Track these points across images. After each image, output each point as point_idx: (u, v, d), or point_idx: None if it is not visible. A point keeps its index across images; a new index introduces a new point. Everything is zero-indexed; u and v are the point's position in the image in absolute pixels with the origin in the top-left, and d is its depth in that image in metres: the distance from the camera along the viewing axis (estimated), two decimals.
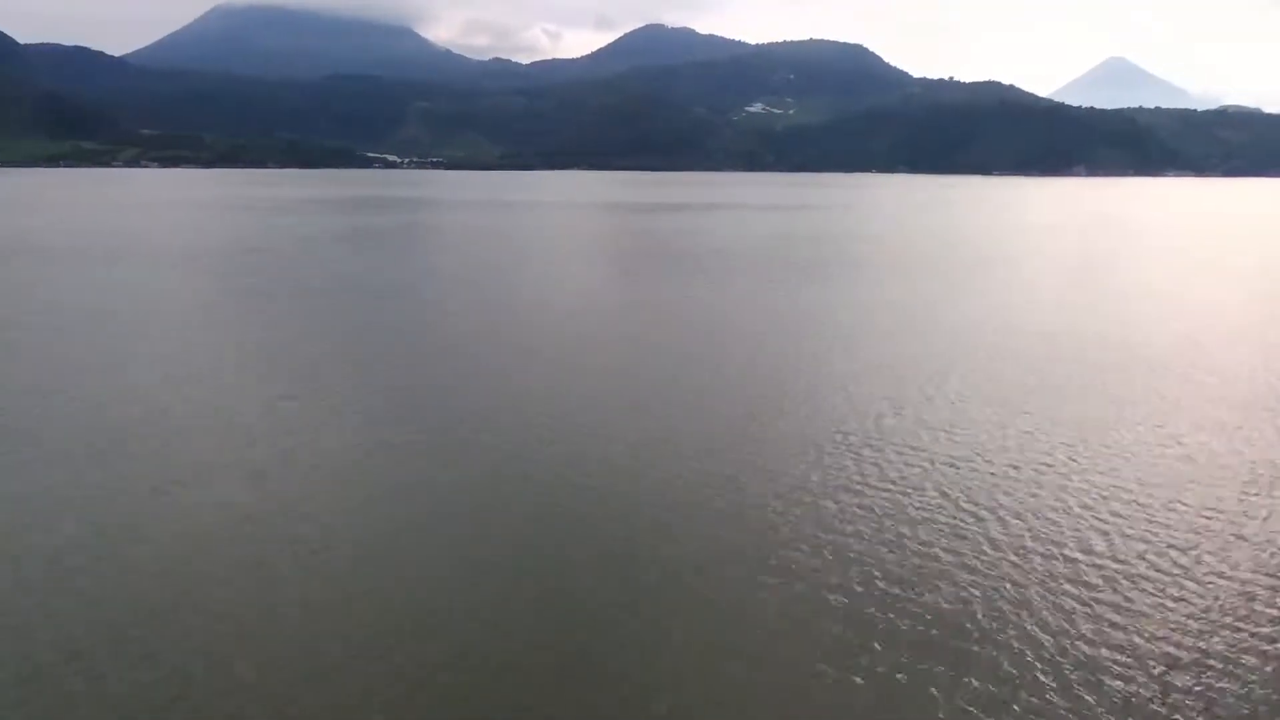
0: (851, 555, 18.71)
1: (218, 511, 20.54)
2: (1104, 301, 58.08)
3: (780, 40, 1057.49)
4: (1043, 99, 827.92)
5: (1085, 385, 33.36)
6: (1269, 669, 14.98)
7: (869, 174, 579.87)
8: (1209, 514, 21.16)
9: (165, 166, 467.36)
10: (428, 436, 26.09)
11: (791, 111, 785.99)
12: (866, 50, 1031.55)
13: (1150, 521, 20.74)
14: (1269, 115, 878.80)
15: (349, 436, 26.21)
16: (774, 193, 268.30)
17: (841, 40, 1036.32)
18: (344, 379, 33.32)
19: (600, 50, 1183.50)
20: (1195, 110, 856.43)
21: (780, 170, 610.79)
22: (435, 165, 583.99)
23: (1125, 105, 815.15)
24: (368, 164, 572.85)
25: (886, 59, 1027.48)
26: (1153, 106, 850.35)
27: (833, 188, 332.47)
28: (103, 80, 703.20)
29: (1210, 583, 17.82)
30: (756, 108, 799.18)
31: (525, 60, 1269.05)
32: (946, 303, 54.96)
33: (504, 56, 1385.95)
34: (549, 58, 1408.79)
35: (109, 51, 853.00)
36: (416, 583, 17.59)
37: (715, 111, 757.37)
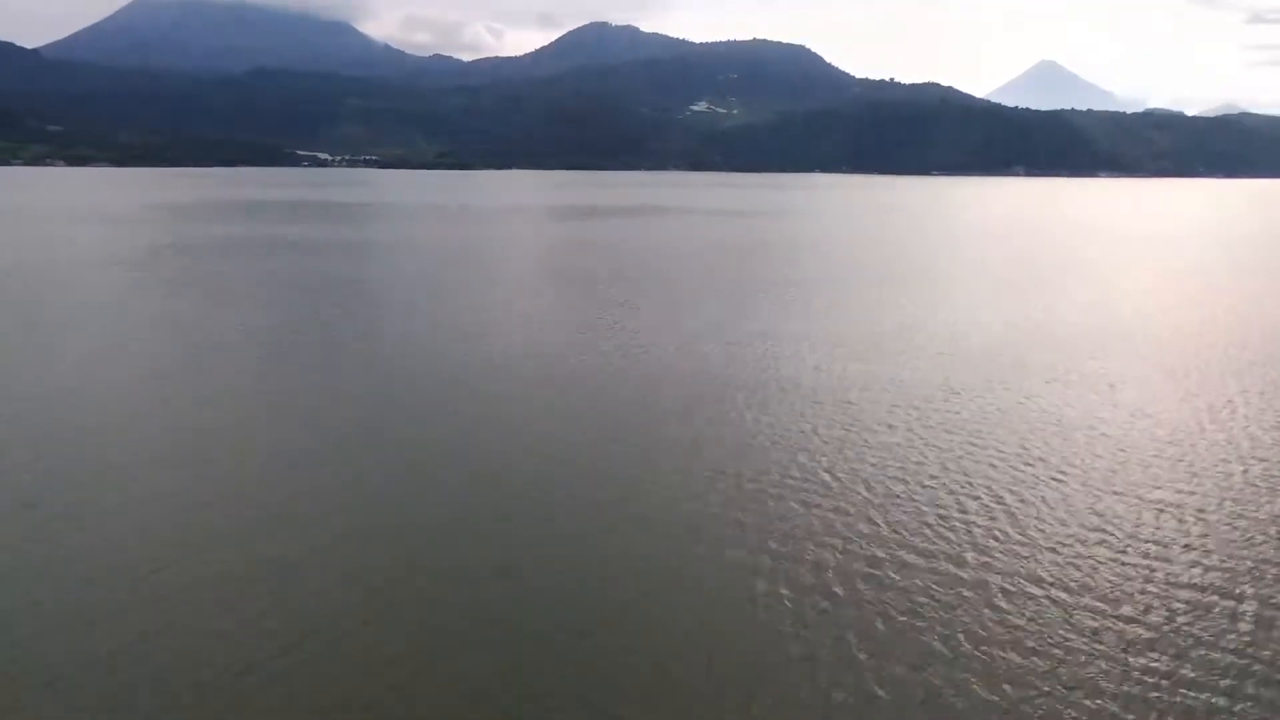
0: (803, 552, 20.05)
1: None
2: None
3: (724, 40, 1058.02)
4: (981, 100, 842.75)
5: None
6: None
7: (813, 174, 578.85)
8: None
9: (73, 165, 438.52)
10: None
11: (736, 111, 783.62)
12: (809, 51, 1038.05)
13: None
14: (1190, 118, 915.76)
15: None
16: (720, 195, 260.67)
17: (785, 41, 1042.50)
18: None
19: (544, 48, 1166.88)
20: (1124, 113, 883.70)
21: (725, 170, 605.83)
22: (369, 164, 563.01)
23: (1057, 107, 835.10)
24: (296, 162, 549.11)
25: (829, 60, 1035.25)
26: (1084, 109, 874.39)
27: (779, 189, 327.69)
28: (13, 74, 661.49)
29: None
30: (701, 107, 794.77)
31: (467, 58, 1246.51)
32: (912, 319, 48.52)
33: (445, 54, 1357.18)
34: (492, 55, 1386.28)
35: (20, 44, 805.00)
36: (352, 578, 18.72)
37: (660, 111, 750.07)
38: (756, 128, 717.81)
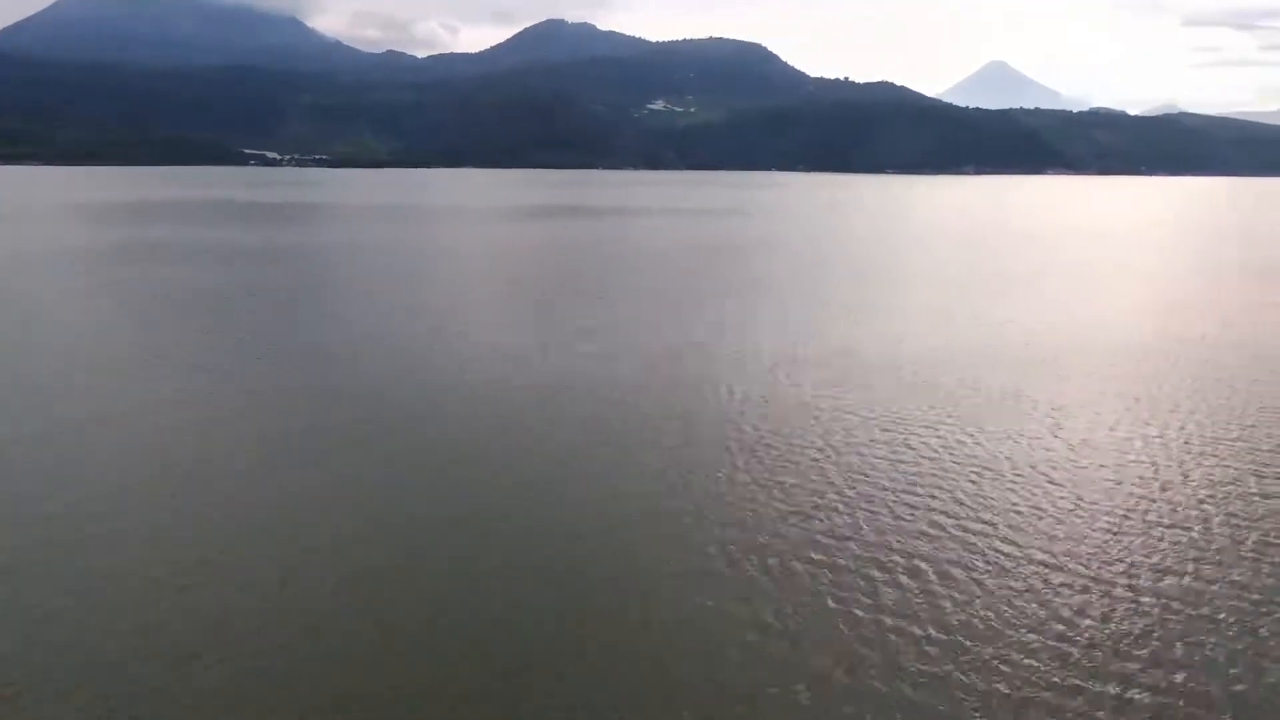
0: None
1: None
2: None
3: (681, 38, 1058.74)
4: (930, 99, 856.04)
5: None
6: None
7: (770, 172, 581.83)
8: None
9: (7, 164, 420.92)
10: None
11: (693, 110, 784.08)
12: (765, 50, 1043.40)
13: None
14: (1133, 117, 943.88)
15: None
16: (678, 194, 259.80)
17: (741, 39, 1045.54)
18: None
19: (499, 45, 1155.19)
20: (1070, 112, 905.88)
21: (682, 169, 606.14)
22: (320, 163, 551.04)
23: (1006, 107, 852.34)
24: (244, 161, 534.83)
25: (784, 59, 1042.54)
26: (1032, 108, 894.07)
27: (737, 188, 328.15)
28: None
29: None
30: (658, 105, 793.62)
31: (421, 54, 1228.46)
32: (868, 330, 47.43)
33: (398, 50, 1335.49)
34: (446, 52, 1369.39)
35: None
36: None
37: (616, 109, 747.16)
38: (713, 126, 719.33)
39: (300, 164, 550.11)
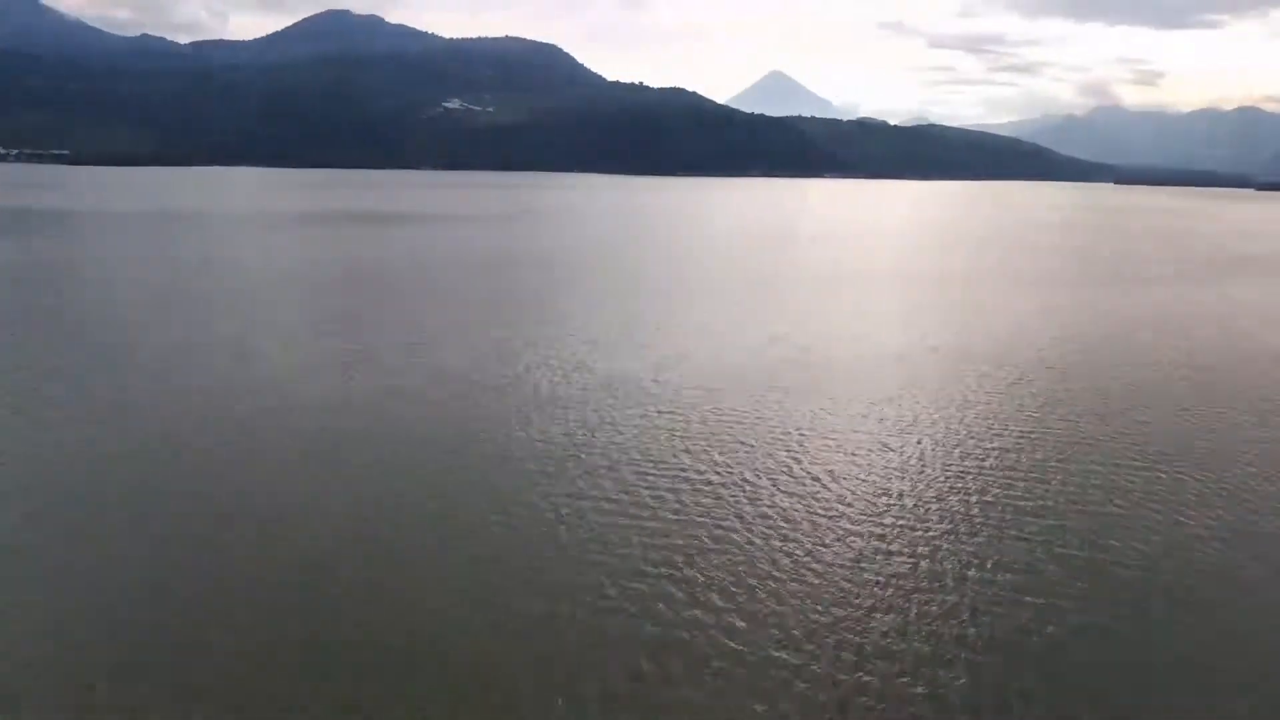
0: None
1: None
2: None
3: (476, 36, 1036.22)
4: (721, 105, 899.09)
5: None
6: None
7: (569, 174, 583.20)
8: None
9: None
10: None
11: (491, 109, 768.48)
12: (562, 51, 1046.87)
13: None
14: (894, 126, 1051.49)
15: None
16: (477, 198, 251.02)
17: (538, 40, 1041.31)
18: None
19: (276, 34, 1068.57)
20: (841, 120, 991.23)
21: (481, 169, 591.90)
22: (58, 159, 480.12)
23: (786, 114, 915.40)
24: None
25: (581, 61, 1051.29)
26: (809, 116, 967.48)
27: (539, 189, 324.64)
28: None
29: None
30: (454, 104, 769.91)
31: (183, 40, 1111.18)
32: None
33: (156, 34, 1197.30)
34: (214, 39, 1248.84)
35: None
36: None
37: (409, 107, 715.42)
38: (513, 127, 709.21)
39: (33, 159, 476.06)
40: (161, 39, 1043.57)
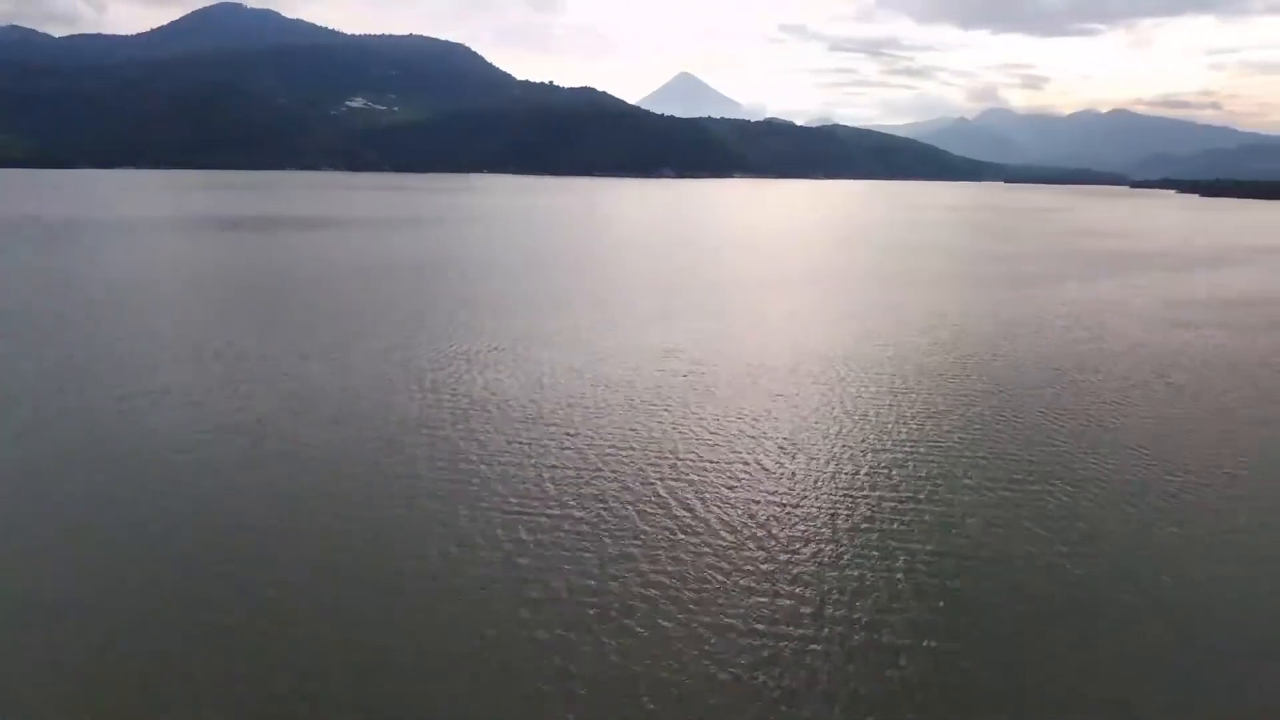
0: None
1: None
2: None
3: (380, 33, 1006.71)
4: (631, 106, 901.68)
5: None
6: None
7: (478, 174, 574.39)
8: None
9: None
10: None
11: (395, 109, 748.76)
12: (469, 50, 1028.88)
13: None
14: (800, 127, 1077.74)
15: None
16: (378, 201, 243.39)
17: (444, 38, 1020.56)
18: None
19: (162, 27, 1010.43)
20: (749, 121, 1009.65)
21: (384, 170, 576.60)
22: None
23: (695, 115, 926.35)
24: None
25: (489, 60, 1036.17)
26: (717, 117, 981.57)
27: (445, 192, 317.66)
28: None
29: None
30: (357, 103, 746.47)
31: (58, 32, 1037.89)
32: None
33: (25, 25, 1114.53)
34: (91, 31, 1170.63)
35: None
36: None
37: (309, 105, 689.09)
38: (418, 126, 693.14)
39: None
40: (31, 31, 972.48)
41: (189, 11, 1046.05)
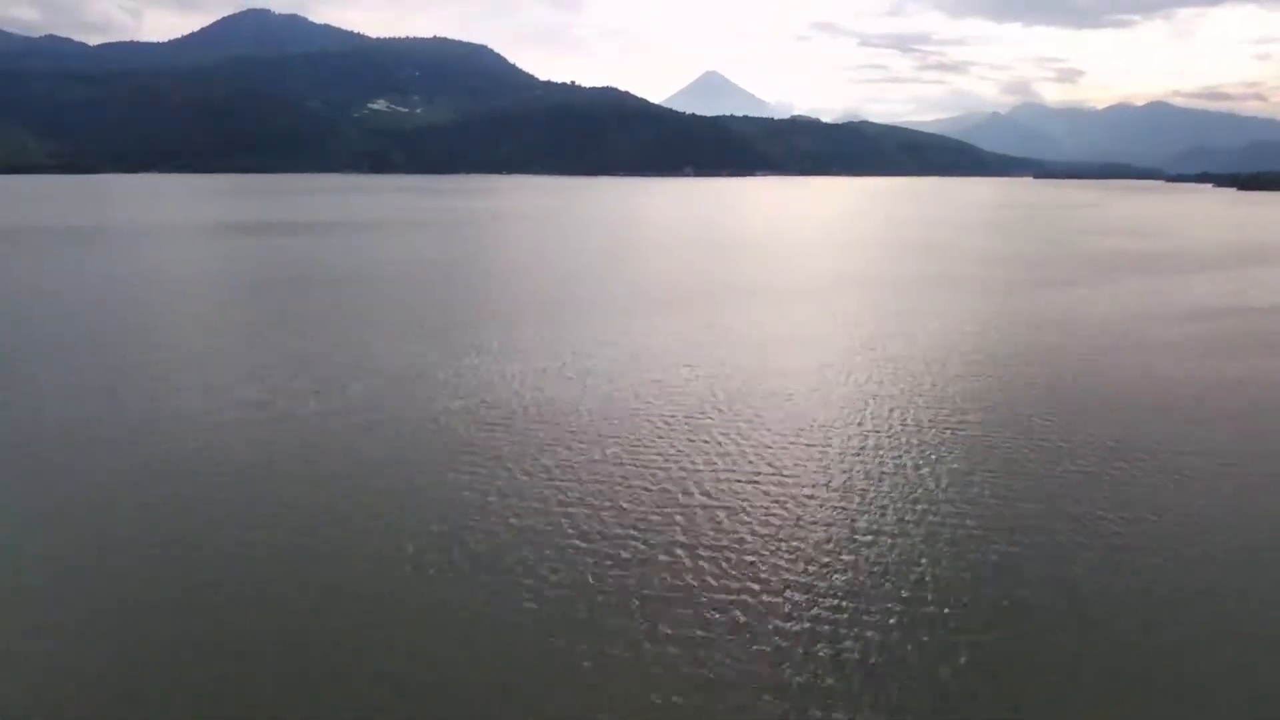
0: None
1: None
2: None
3: (404, 36, 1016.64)
4: (653, 105, 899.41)
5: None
6: None
7: (502, 175, 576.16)
8: None
9: None
10: None
11: (419, 110, 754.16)
12: (492, 51, 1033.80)
13: None
14: (825, 124, 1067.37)
15: None
16: (405, 203, 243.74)
17: (467, 40, 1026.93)
18: None
19: (192, 35, 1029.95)
20: (773, 119, 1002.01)
21: (410, 172, 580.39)
22: None
23: (720, 113, 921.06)
24: None
25: (512, 61, 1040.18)
26: (742, 115, 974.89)
27: (473, 194, 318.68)
28: None
29: None
30: (380, 105, 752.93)
31: (93, 41, 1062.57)
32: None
33: (61, 35, 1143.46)
34: (125, 40, 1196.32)
35: None
36: None
37: (334, 108, 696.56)
38: (441, 127, 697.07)
39: None
40: (67, 40, 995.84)
41: (218, 18, 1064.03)
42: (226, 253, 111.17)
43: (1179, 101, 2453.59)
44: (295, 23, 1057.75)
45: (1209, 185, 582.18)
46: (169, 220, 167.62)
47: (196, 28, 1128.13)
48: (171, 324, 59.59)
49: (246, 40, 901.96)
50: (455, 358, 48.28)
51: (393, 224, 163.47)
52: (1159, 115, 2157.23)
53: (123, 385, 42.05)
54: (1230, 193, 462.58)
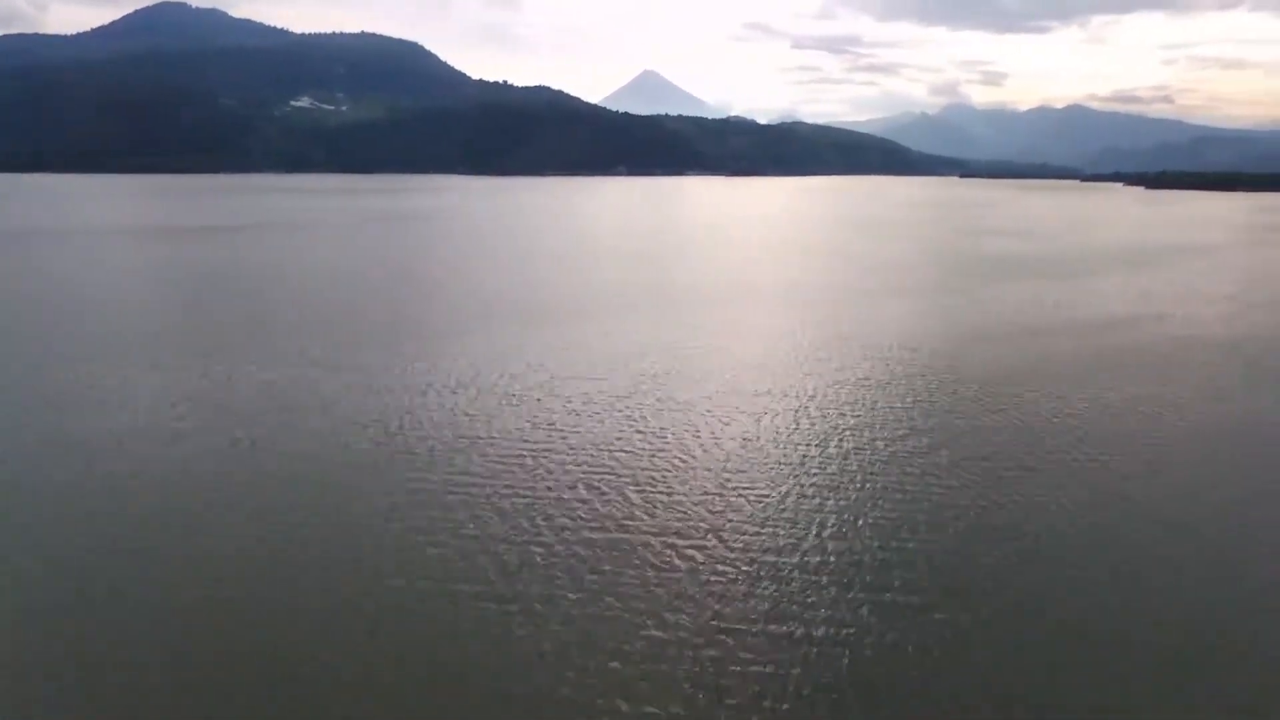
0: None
1: None
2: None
3: (329, 32, 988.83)
4: (587, 104, 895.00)
5: None
6: None
7: (429, 175, 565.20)
8: None
9: None
10: None
11: (344, 108, 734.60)
12: (422, 48, 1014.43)
13: None
14: (762, 125, 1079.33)
15: None
16: (319, 205, 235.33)
17: (397, 36, 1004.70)
18: None
19: (103, 27, 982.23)
20: (708, 119, 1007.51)
21: (333, 171, 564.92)
22: None
23: (659, 113, 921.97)
24: None
25: (443, 59, 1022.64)
26: (683, 114, 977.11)
27: (396, 192, 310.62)
28: None
29: None
30: (304, 103, 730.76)
31: None
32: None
33: None
34: (30, 32, 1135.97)
35: None
36: None
37: (253, 106, 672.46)
38: (367, 126, 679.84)
39: None
40: None
41: (132, 10, 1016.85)
42: (113, 258, 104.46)
43: (1095, 104, 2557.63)
44: (214, 17, 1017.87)
45: (1120, 184, 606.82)
46: (58, 224, 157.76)
47: (106, 21, 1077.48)
48: (50, 337, 54.62)
49: (161, 35, 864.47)
50: (317, 376, 45.05)
51: (276, 227, 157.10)
52: (1076, 117, 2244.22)
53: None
54: (1138, 191, 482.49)
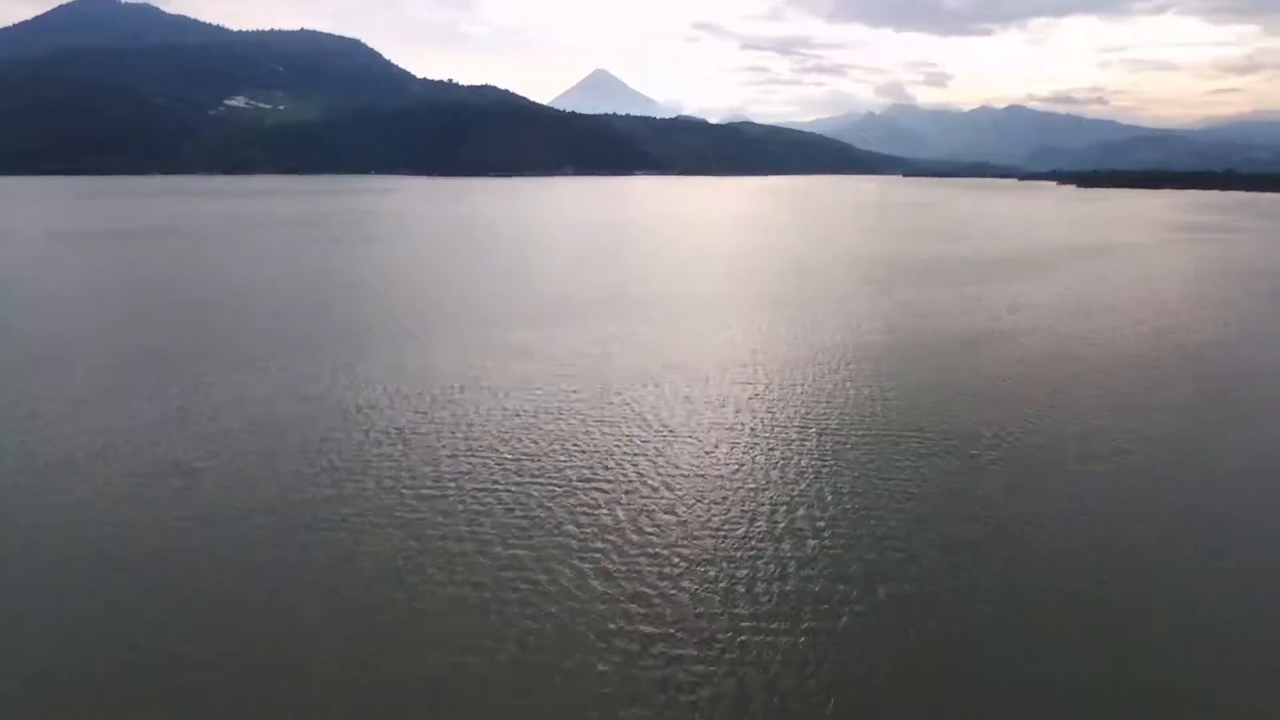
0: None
1: None
2: None
3: (268, 29, 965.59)
4: (534, 103, 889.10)
5: None
6: None
7: (371, 176, 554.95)
8: None
9: None
10: None
11: (282, 107, 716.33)
12: (365, 46, 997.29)
13: None
14: (712, 124, 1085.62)
15: None
16: (245, 209, 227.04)
17: (339, 34, 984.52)
18: None
19: (25, 23, 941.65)
20: (658, 118, 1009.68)
21: (270, 173, 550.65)
22: None
23: (609, 112, 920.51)
24: None
25: (388, 57, 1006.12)
26: (634, 114, 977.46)
27: (336, 194, 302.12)
28: None
29: None
30: (239, 102, 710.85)
31: None
32: None
33: None
34: None
35: None
36: None
37: (187, 105, 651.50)
38: (307, 126, 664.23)
39: None
40: None
41: (56, 5, 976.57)
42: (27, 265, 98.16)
43: (1034, 105, 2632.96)
44: (145, 12, 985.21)
45: (1054, 183, 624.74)
46: None
47: (28, 16, 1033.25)
48: None
49: (89, 31, 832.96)
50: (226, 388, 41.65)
51: (162, 232, 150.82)
52: (1016, 117, 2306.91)
53: None
54: (1070, 189, 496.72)
